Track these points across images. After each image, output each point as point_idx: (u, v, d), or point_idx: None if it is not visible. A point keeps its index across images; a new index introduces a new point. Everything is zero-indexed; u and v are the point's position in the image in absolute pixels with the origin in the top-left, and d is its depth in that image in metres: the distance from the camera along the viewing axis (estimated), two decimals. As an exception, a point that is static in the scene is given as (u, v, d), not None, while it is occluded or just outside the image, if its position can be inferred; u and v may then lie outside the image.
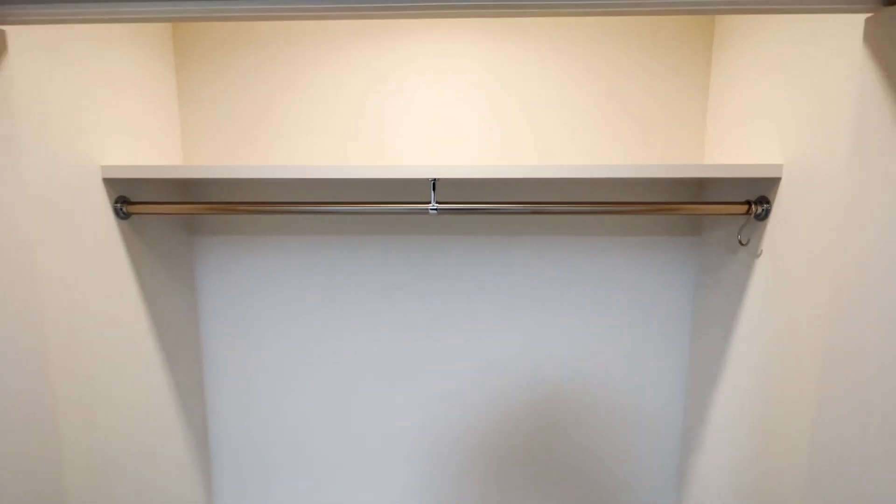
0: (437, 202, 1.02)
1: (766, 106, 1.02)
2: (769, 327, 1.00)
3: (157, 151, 1.21)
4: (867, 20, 0.63)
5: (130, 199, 1.08)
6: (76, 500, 0.89)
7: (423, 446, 1.46)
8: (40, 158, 0.82)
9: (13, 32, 0.69)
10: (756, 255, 1.03)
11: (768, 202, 1.00)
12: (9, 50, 0.67)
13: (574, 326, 1.37)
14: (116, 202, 1.05)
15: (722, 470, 1.19)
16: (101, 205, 1.02)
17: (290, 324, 1.39)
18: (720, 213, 1.07)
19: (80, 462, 0.94)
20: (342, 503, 1.51)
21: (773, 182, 0.98)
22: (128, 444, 1.10)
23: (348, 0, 0.62)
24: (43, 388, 0.74)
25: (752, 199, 1.02)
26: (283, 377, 1.43)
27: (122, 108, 1.08)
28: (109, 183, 1.04)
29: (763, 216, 1.01)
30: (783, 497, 0.96)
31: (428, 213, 1.02)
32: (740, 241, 1.09)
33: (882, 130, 0.60)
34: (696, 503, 1.33)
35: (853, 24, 0.68)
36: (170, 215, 1.25)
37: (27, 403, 0.71)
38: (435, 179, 1.01)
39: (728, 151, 1.17)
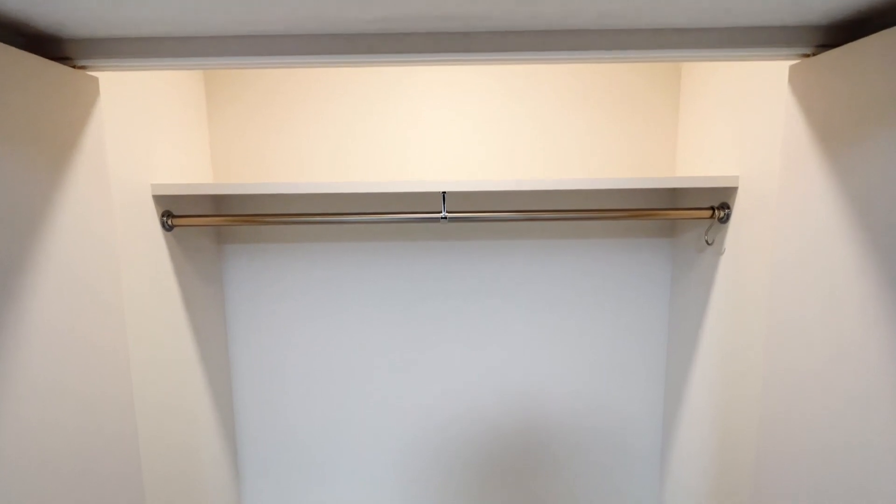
0: (447, 211, 1.18)
1: (724, 126, 1.20)
2: (731, 314, 1.17)
3: (192, 169, 1.35)
4: (791, 67, 0.81)
5: (174, 213, 1.22)
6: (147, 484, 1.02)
7: (436, 439, 1.61)
8: (115, 182, 0.96)
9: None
10: (719, 252, 1.21)
11: (728, 207, 1.18)
12: (100, 93, 0.81)
13: (563, 323, 1.53)
14: (163, 216, 1.19)
15: (694, 452, 1.36)
16: (152, 218, 1.16)
17: (308, 325, 1.53)
18: (689, 217, 1.25)
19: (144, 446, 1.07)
20: (355, 488, 1.65)
21: (732, 191, 1.16)
22: (170, 433, 1.23)
23: (353, 52, 0.77)
24: (125, 378, 0.87)
25: (716, 205, 1.20)
26: (301, 375, 1.56)
27: (163, 133, 1.22)
28: (157, 199, 1.17)
29: (725, 220, 1.19)
30: (741, 470, 1.13)
31: (440, 220, 1.18)
32: (707, 242, 1.26)
33: (802, 152, 0.78)
34: (676, 485, 1.50)
35: (784, 67, 0.85)
36: (204, 226, 1.39)
37: (113, 389, 0.85)
38: (445, 192, 1.17)
39: (697, 164, 1.35)
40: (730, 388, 1.18)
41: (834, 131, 0.73)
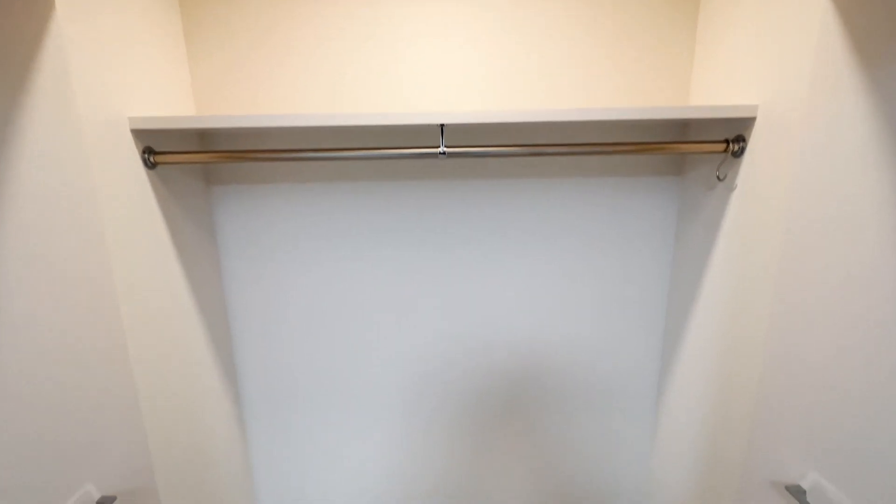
0: (445, 146, 1.11)
1: (744, 51, 1.10)
2: (739, 253, 1.14)
3: (172, 102, 1.26)
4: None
5: (155, 149, 1.15)
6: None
7: (430, 380, 1.64)
8: (85, 111, 0.89)
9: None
10: (731, 188, 1.16)
11: (744, 140, 1.11)
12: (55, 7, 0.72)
13: (564, 265, 1.51)
14: (144, 152, 1.12)
15: (691, 395, 1.39)
16: (132, 155, 1.09)
17: (305, 268, 1.51)
18: (701, 151, 1.18)
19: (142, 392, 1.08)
20: (353, 427, 1.70)
21: (749, 122, 1.09)
22: (169, 379, 1.24)
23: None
24: (114, 322, 0.85)
25: (730, 138, 1.13)
26: (300, 317, 1.56)
27: (137, 61, 1.12)
28: (137, 134, 1.10)
29: (739, 153, 1.13)
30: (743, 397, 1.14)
31: (438, 156, 1.11)
32: (718, 178, 1.21)
33: (835, 72, 0.71)
34: (671, 426, 1.54)
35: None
36: (189, 164, 1.32)
37: (103, 334, 0.83)
38: (443, 125, 1.10)
39: (712, 95, 1.26)
40: (732, 330, 1.18)
41: (875, 48, 0.66)
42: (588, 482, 1.82)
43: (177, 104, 1.29)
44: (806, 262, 0.79)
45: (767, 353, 0.88)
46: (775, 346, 0.87)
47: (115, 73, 1.04)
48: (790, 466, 0.86)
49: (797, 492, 0.83)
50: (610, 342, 1.59)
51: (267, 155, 1.20)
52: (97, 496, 0.84)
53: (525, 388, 1.66)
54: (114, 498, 0.85)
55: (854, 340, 0.71)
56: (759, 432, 0.92)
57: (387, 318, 1.56)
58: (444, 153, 1.11)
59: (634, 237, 1.48)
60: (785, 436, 0.87)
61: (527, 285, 1.53)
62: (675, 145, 1.22)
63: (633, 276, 1.52)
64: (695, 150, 1.20)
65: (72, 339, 0.76)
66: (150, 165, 1.14)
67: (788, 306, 0.83)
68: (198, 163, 1.32)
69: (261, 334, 1.58)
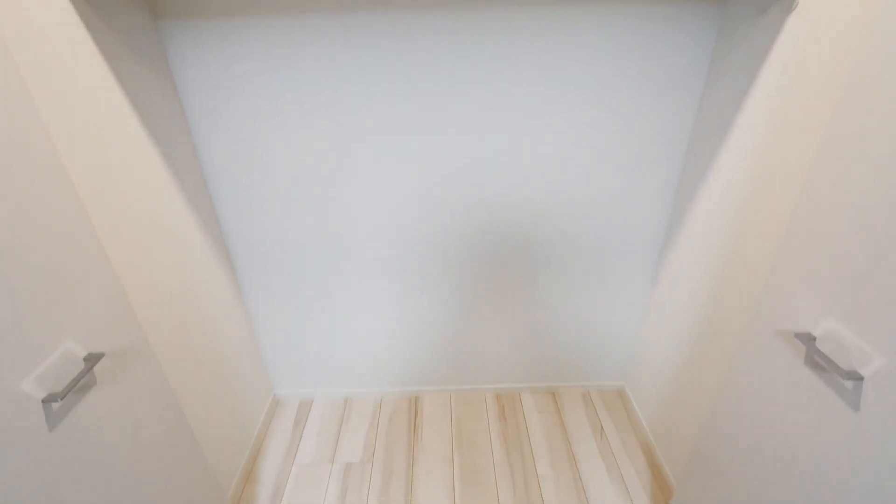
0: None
1: None
2: (787, 87, 0.98)
3: None
4: None
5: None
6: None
7: (431, 229, 1.57)
8: None
9: None
10: (791, 7, 0.95)
11: (818, -60, 0.88)
12: None
13: (572, 108, 1.34)
14: (58, -37, 0.88)
15: (696, 247, 1.33)
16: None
17: (278, 110, 1.33)
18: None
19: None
20: (349, 279, 1.69)
21: (831, -90, 0.85)
22: (144, 226, 1.16)
23: None
24: (60, 178, 0.72)
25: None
26: (282, 167, 1.43)
27: None
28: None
29: (807, -40, 0.90)
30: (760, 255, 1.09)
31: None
32: (773, -4, 0.99)
33: None
34: (671, 279, 1.52)
35: None
36: (124, -12, 1.07)
37: (48, 188, 0.71)
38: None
39: None
40: (762, 174, 1.07)
41: None
42: (584, 338, 1.90)
43: None
44: (868, 101, 0.65)
45: (806, 195, 0.79)
46: (816, 188, 0.77)
47: None
48: (804, 315, 0.83)
49: (807, 339, 0.81)
50: (619, 189, 1.49)
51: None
52: (82, 353, 0.80)
53: (526, 236, 1.62)
54: (101, 355, 0.82)
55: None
56: (777, 279, 0.87)
57: (378, 164, 1.44)
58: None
59: (658, 76, 1.29)
60: (804, 284, 0.82)
61: (531, 125, 1.37)
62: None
63: (651, 121, 1.36)
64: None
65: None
66: (70, -18, 0.91)
67: (838, 149, 0.71)
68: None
69: (244, 197, 1.47)
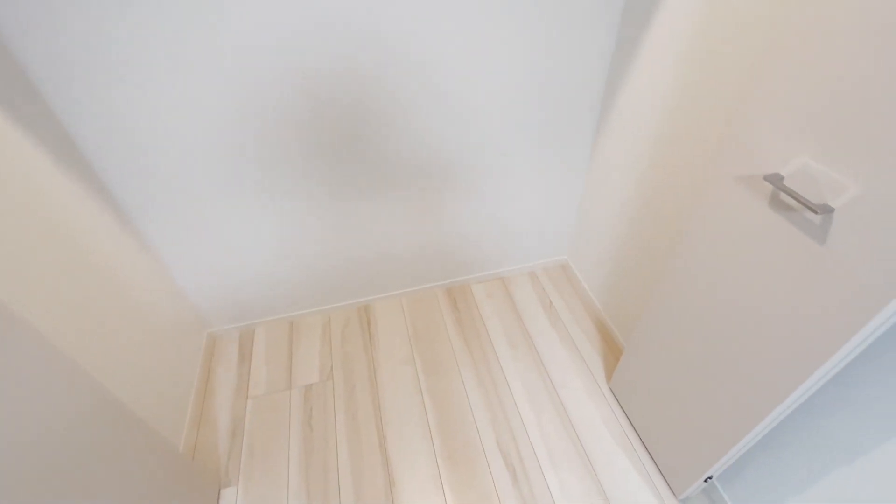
0: None
1: None
2: None
3: None
4: None
5: None
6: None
7: (329, 109, 1.35)
8: None
9: None
10: None
11: None
12: None
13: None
14: None
15: (646, 93, 1.25)
16: None
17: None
18: None
19: None
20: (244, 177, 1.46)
21: None
22: None
23: None
24: None
25: None
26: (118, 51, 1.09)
27: None
28: None
29: None
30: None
31: None
32: None
33: None
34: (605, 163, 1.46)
35: None
36: None
37: None
38: None
39: None
40: (712, 18, 0.97)
41: None
42: (526, 218, 1.87)
43: None
44: None
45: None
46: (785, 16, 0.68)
47: None
48: (772, 155, 0.79)
49: (775, 179, 0.78)
50: (552, 67, 1.35)
51: None
52: None
53: (463, 140, 1.46)
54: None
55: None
56: (741, 124, 0.82)
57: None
58: None
59: None
60: (773, 123, 0.77)
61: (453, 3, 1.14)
62: None
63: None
64: None
65: None
66: None
67: None
68: None
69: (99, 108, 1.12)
